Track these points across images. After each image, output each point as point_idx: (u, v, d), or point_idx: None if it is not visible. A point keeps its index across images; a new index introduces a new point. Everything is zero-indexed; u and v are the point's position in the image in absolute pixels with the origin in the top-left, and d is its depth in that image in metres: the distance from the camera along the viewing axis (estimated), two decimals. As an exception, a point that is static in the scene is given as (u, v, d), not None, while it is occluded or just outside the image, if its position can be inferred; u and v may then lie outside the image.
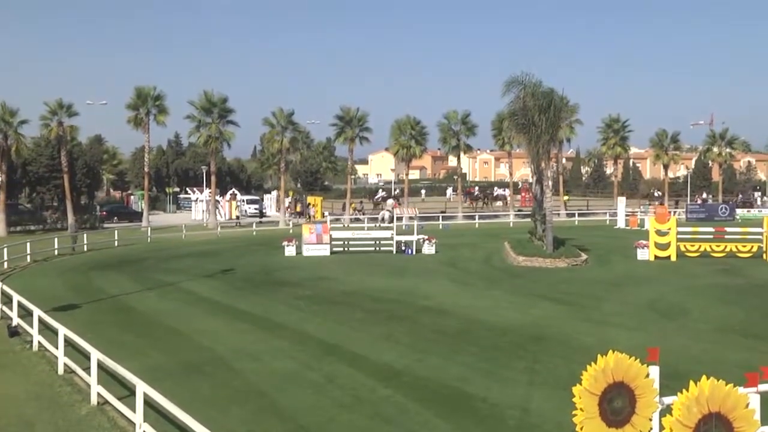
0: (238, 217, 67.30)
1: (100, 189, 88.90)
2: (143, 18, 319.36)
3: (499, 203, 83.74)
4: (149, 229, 51.68)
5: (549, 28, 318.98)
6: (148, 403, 11.36)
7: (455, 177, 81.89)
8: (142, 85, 60.50)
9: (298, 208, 69.57)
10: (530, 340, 17.88)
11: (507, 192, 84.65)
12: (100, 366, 13.37)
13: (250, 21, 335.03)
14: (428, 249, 39.12)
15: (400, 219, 52.98)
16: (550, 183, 37.42)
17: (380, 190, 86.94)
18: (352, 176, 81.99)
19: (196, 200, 72.40)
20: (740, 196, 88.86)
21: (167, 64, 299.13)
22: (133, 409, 11.53)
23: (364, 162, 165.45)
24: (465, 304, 23.25)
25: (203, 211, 67.77)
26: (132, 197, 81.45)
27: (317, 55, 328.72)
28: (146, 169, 63.27)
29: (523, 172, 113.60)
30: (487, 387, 13.82)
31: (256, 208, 72.24)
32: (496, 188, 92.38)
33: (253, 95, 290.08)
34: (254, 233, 54.35)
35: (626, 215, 60.18)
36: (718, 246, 36.00)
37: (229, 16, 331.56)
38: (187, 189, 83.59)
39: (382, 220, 57.50)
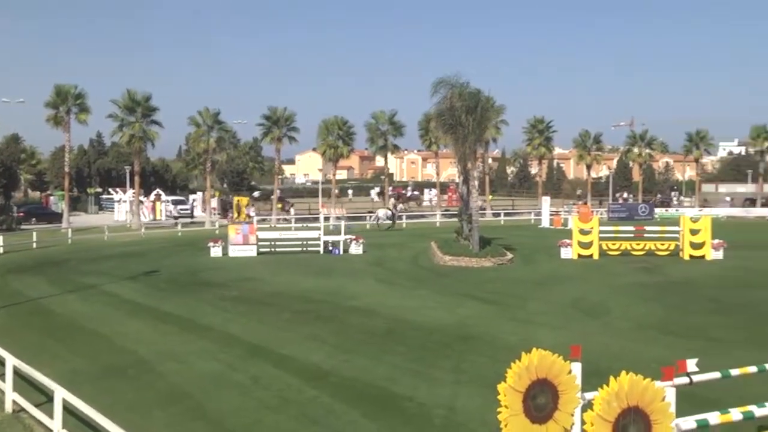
0: (176, 217, 66.16)
1: (18, 189, 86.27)
2: (70, 16, 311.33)
3: (414, 203, 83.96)
4: (70, 230, 50.48)
5: (474, 31, 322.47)
6: (68, 409, 11.08)
7: (383, 177, 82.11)
8: (62, 83, 59.07)
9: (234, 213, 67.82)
10: (457, 340, 18.04)
11: (432, 192, 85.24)
12: (16, 372, 12.97)
13: (176, 20, 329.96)
14: (355, 249, 39.14)
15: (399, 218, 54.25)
16: (477, 183, 37.85)
17: (278, 191, 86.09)
18: (280, 176, 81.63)
19: (119, 201, 70.96)
20: (659, 195, 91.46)
21: (91, 64, 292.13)
22: (51, 415, 11.23)
23: (292, 162, 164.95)
24: (392, 304, 23.32)
25: (127, 211, 66.49)
26: (51, 198, 79.23)
27: (244, 55, 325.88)
28: (67, 169, 61.76)
29: (450, 172, 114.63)
30: (414, 386, 13.89)
31: (184, 209, 71.14)
32: (410, 189, 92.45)
33: (178, 95, 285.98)
34: (179, 234, 53.57)
35: (550, 215, 61.30)
36: (638, 245, 36.95)
37: (155, 15, 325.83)
38: (110, 189, 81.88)
39: (377, 219, 58.37)
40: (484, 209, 66.58)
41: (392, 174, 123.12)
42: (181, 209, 70.84)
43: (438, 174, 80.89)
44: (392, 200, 61.60)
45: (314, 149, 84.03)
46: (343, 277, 30.09)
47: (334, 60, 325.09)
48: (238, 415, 12.36)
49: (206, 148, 64.65)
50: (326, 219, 56.08)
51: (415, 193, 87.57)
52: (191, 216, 68.50)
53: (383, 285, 28.08)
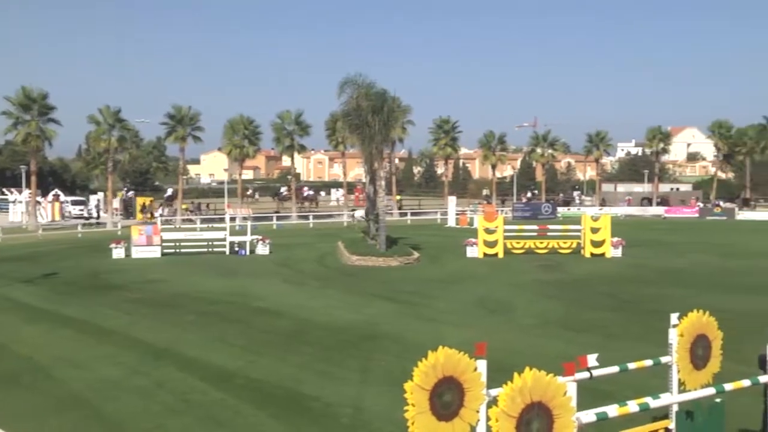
0: (89, 217, 64.14)
1: None
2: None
3: (310, 203, 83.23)
4: (-39, 232, 48.43)
5: (382, 30, 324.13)
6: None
7: (289, 177, 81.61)
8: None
9: (148, 214, 65.64)
10: (364, 339, 18.07)
11: (340, 192, 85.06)
12: None
13: (72, 15, 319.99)
14: (262, 249, 38.79)
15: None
16: (383, 183, 38.02)
17: (169, 189, 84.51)
18: (184, 176, 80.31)
19: (15, 201, 68.43)
20: (561, 195, 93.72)
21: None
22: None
23: (197, 162, 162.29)
24: (299, 305, 23.21)
25: (22, 212, 64.22)
26: (-59, 199, 75.84)
27: (148, 53, 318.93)
28: (-43, 169, 59.33)
29: (357, 172, 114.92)
30: (321, 387, 13.84)
31: (89, 210, 69.04)
32: (306, 188, 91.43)
33: (77, 92, 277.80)
34: (80, 236, 51.99)
35: (456, 214, 62.09)
36: (541, 243, 37.80)
37: (46, 10, 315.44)
38: (4, 190, 78.90)
39: (352, 218, 58.16)
40: (391, 209, 67.00)
41: (299, 174, 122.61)
42: (80, 209, 68.80)
43: (345, 174, 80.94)
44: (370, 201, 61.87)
45: (220, 149, 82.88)
46: (249, 277, 29.79)
47: (239, 59, 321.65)
48: (140, 419, 12.05)
49: (107, 147, 63.03)
50: (232, 219, 55.40)
51: (311, 193, 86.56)
52: (97, 216, 66.60)
53: (290, 285, 27.92)
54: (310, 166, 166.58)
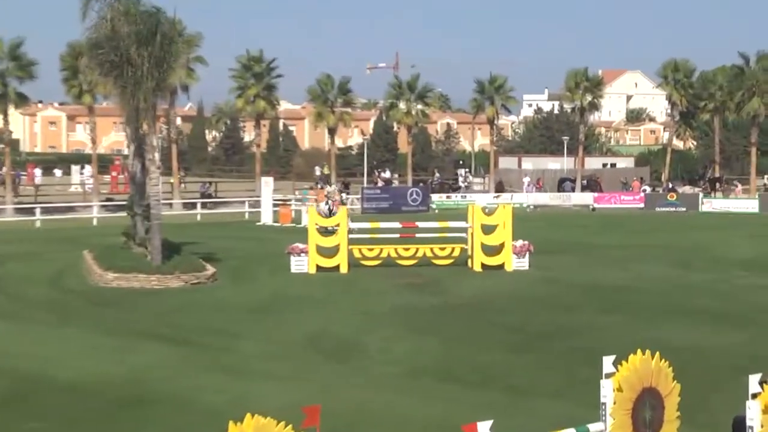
0: None
1: None
2: None
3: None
4: None
5: None
6: None
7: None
8: None
9: None
10: (128, 404, 17.89)
11: (87, 171, 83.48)
12: None
13: None
14: (-44, 265, 37.79)
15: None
16: (157, 156, 37.66)
17: None
18: None
19: None
20: (437, 175, 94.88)
21: None
22: None
23: None
24: (18, 353, 22.72)
25: None
26: None
27: None
28: None
29: (115, 138, 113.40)
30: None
31: None
32: None
33: None
34: None
35: (275, 205, 62.04)
36: (406, 250, 38.15)
37: None
38: None
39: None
40: (171, 197, 66.38)
41: (17, 140, 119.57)
42: None
43: (95, 141, 79.46)
44: (331, 186, 60.60)
45: None
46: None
47: None
48: None
49: None
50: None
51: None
52: None
53: (4, 322, 27.23)
54: (36, 128, 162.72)
